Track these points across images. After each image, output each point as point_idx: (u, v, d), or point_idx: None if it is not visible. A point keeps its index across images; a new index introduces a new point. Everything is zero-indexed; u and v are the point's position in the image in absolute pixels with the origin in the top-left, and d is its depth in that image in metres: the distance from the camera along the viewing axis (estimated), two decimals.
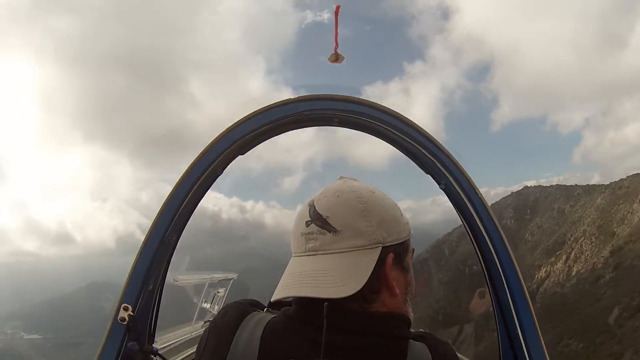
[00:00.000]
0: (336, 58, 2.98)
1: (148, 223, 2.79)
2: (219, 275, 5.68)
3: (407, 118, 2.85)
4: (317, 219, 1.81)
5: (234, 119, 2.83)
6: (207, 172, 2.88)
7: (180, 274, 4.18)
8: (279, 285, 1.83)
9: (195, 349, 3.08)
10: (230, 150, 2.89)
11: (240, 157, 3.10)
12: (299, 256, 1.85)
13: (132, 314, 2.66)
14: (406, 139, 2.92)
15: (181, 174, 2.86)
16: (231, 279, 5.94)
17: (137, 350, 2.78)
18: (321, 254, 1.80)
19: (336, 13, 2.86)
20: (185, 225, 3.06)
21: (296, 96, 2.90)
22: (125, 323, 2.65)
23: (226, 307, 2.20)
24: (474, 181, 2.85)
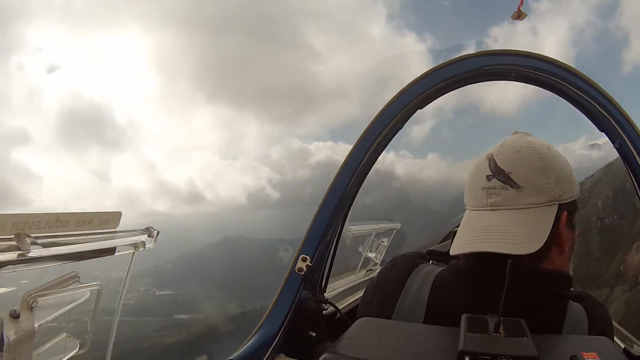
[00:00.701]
0: (518, 15, 3.02)
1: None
2: (385, 225, 5.80)
3: (584, 75, 2.84)
4: (499, 174, 1.85)
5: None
6: (389, 126, 2.97)
7: (351, 224, 4.32)
8: (458, 238, 1.89)
9: (357, 297, 3.21)
10: (410, 105, 2.97)
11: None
12: (479, 210, 1.90)
13: (309, 264, 2.83)
14: (583, 95, 2.91)
15: (364, 129, 2.98)
16: (394, 229, 6.05)
17: (310, 299, 2.92)
18: (504, 209, 1.84)
19: None
20: (364, 179, 3.16)
21: (475, 52, 2.96)
22: (302, 273, 2.82)
23: (394, 259, 2.29)
24: None
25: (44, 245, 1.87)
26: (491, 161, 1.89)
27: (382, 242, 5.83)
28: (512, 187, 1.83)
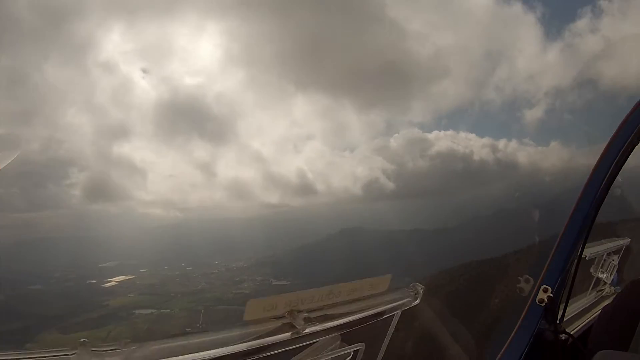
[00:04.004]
0: None
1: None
2: (615, 243, 5.66)
3: None
4: None
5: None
6: (626, 144, 2.90)
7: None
8: None
9: (589, 319, 3.12)
10: None
11: None
12: None
13: (551, 295, 2.81)
14: None
15: (602, 150, 2.93)
16: (624, 245, 5.90)
17: (549, 330, 2.91)
18: None
19: None
20: (603, 201, 3.09)
21: None
22: (543, 305, 2.81)
23: (633, 284, 2.22)
24: None
25: (318, 321, 2.02)
26: None
27: (612, 260, 5.66)
28: None
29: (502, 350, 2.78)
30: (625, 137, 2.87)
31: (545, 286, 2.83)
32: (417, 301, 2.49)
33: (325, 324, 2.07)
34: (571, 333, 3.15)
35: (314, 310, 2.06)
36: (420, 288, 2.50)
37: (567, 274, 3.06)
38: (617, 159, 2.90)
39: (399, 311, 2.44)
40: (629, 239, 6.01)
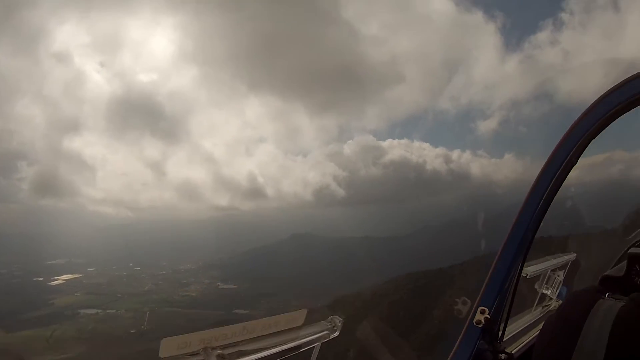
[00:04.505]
0: None
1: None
2: (561, 260, 5.73)
3: None
4: None
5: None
6: (564, 164, 2.89)
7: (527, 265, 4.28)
8: None
9: (534, 335, 3.13)
10: (584, 138, 2.89)
11: None
12: None
13: (488, 316, 2.79)
14: None
15: (540, 168, 2.91)
16: (570, 260, 5.98)
17: (488, 350, 2.91)
18: None
19: None
20: (541, 221, 3.09)
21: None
22: (480, 326, 2.78)
23: (574, 295, 2.22)
24: None
25: (232, 357, 1.99)
26: None
27: (558, 276, 5.71)
28: None
29: None
30: (566, 153, 2.88)
31: (482, 307, 2.82)
32: (336, 333, 2.48)
33: None
34: (514, 351, 3.27)
35: (229, 346, 2.04)
36: (338, 320, 2.49)
37: (506, 294, 3.06)
38: (556, 175, 2.91)
39: (318, 344, 2.43)
40: (575, 254, 6.12)
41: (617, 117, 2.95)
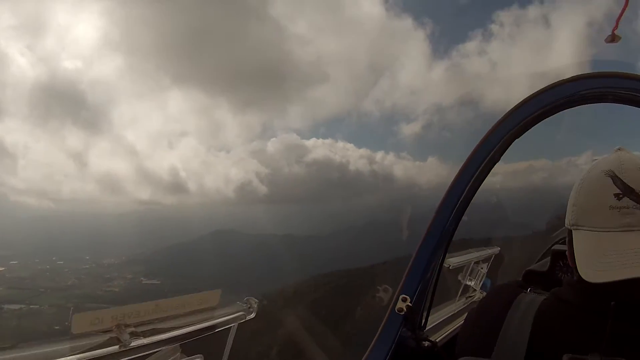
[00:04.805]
0: (612, 39, 2.99)
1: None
2: (483, 253, 5.86)
3: None
4: (630, 193, 1.79)
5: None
6: (487, 160, 2.97)
7: (449, 256, 4.34)
8: (594, 263, 1.80)
9: (457, 325, 3.20)
10: (508, 136, 2.97)
11: None
12: (611, 231, 1.82)
13: (409, 304, 2.82)
14: None
15: (462, 163, 2.99)
16: (493, 254, 6.08)
17: (410, 337, 2.93)
18: (637, 231, 1.78)
19: None
20: (464, 213, 3.15)
21: (571, 76, 2.92)
22: (402, 313, 2.81)
23: (495, 289, 2.30)
24: None
25: (145, 335, 1.99)
26: (615, 179, 1.83)
27: (481, 268, 5.87)
28: None
29: (363, 358, 2.79)
30: (490, 148, 2.97)
31: (404, 295, 2.83)
32: (253, 315, 2.49)
33: (153, 338, 2.04)
34: (437, 340, 3.22)
35: (142, 324, 2.02)
36: (254, 302, 2.50)
37: (428, 283, 3.10)
38: (479, 169, 2.99)
39: (235, 324, 2.43)
40: (498, 249, 6.28)
41: (543, 119, 3.07)
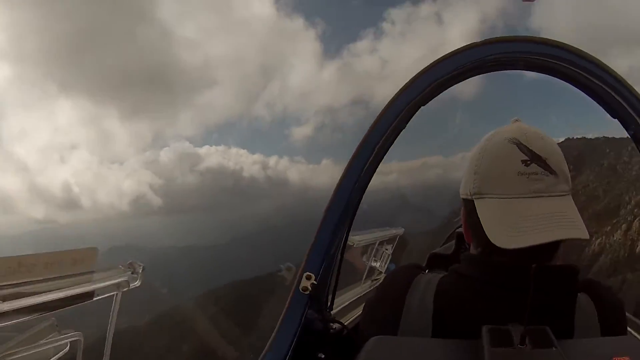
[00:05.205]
0: None
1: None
2: (388, 232, 5.90)
3: (596, 58, 2.79)
4: (537, 159, 1.81)
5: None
6: (391, 127, 2.89)
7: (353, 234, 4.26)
8: (508, 229, 1.77)
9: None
10: (413, 103, 2.90)
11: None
12: (521, 197, 1.82)
13: (314, 282, 2.71)
14: (595, 81, 2.87)
15: (365, 131, 2.89)
16: (397, 235, 6.11)
17: (317, 319, 2.83)
18: (547, 196, 1.80)
19: None
20: (367, 185, 3.09)
21: (481, 40, 2.86)
22: (307, 292, 2.69)
23: (392, 273, 2.30)
24: None
25: (5, 298, 1.66)
26: (521, 146, 1.84)
27: (386, 249, 5.92)
28: (551, 174, 1.83)
29: (270, 341, 2.65)
30: (395, 114, 2.87)
31: (308, 273, 2.72)
32: (138, 282, 2.34)
33: (19, 302, 1.73)
34: (345, 322, 3.19)
35: (6, 286, 1.68)
36: (138, 266, 2.34)
37: (332, 262, 3.04)
38: (384, 137, 2.90)
39: (118, 293, 2.25)
40: (403, 229, 6.39)
41: (453, 84, 3.03)
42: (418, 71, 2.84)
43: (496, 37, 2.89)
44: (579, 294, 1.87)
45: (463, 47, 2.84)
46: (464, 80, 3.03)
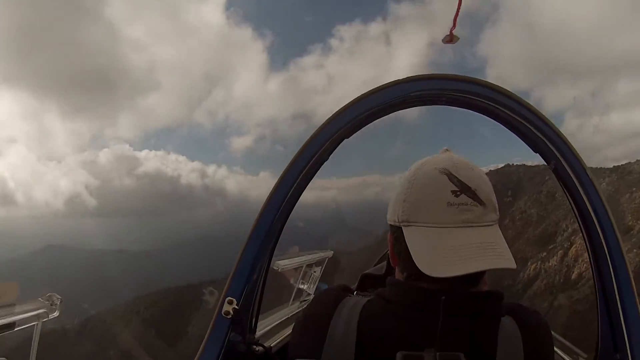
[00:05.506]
0: (451, 39, 3.08)
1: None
2: (316, 256, 5.91)
3: (517, 95, 2.92)
4: (467, 190, 1.87)
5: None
6: (314, 158, 2.97)
7: (278, 259, 4.30)
8: (436, 259, 1.82)
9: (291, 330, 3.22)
10: (337, 135, 2.99)
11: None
12: (450, 227, 1.87)
13: (236, 307, 2.78)
14: (516, 117, 3.00)
15: (289, 162, 2.97)
16: (326, 257, 6.12)
17: (240, 342, 2.89)
18: (476, 226, 1.87)
19: None
20: (290, 213, 3.16)
21: (405, 77, 2.96)
22: (229, 317, 2.76)
23: (319, 295, 2.37)
24: (584, 162, 2.92)
25: None
26: (451, 177, 1.91)
27: (314, 272, 5.94)
28: (480, 204, 1.89)
29: None
30: (318, 146, 2.96)
31: (229, 298, 2.79)
32: (56, 313, 2.38)
33: None
34: (271, 345, 3.32)
35: None
36: (56, 298, 2.40)
37: (255, 285, 3.08)
38: (307, 167, 2.97)
39: (38, 323, 2.31)
40: (332, 252, 6.39)
41: (376, 118, 3.12)
42: (354, 97, 2.92)
43: (420, 75, 2.98)
44: (502, 318, 1.94)
45: (388, 83, 2.94)
46: (388, 114, 3.13)
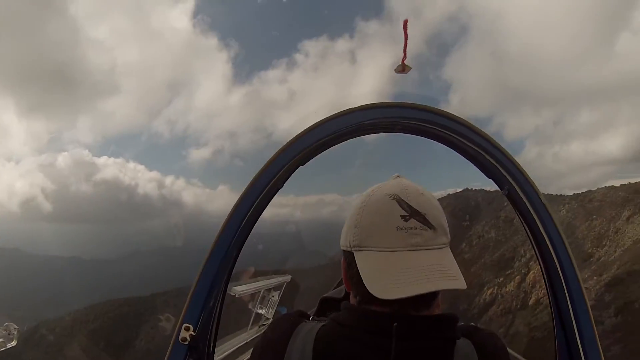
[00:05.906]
0: (403, 69, 3.15)
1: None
2: (273, 281, 5.99)
3: (470, 123, 3.03)
4: (416, 215, 1.92)
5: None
6: (269, 186, 3.03)
7: (235, 285, 4.33)
8: (386, 281, 1.85)
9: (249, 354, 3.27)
10: (292, 163, 3.05)
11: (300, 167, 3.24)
12: (399, 251, 1.91)
13: (193, 333, 2.81)
14: (469, 144, 3.12)
15: (243, 189, 3.01)
16: (284, 282, 6.13)
17: None
18: (425, 249, 1.90)
19: (404, 27, 3.10)
20: (245, 240, 3.19)
21: (358, 105, 3.03)
22: (186, 343, 2.79)
23: (275, 321, 2.39)
24: (537, 187, 3.03)
25: None
26: (401, 202, 1.95)
27: (272, 296, 6.01)
28: (430, 228, 1.92)
29: None
30: (272, 174, 3.00)
31: (186, 325, 2.81)
32: (14, 342, 2.41)
33: None
34: None
35: None
36: (14, 328, 2.44)
37: (212, 311, 3.10)
38: (262, 194, 3.02)
39: None
40: (290, 276, 6.36)
41: (330, 146, 3.23)
42: (313, 121, 3.00)
43: (373, 103, 3.06)
44: (458, 340, 1.96)
45: (342, 111, 3.01)
46: (343, 142, 3.24)
